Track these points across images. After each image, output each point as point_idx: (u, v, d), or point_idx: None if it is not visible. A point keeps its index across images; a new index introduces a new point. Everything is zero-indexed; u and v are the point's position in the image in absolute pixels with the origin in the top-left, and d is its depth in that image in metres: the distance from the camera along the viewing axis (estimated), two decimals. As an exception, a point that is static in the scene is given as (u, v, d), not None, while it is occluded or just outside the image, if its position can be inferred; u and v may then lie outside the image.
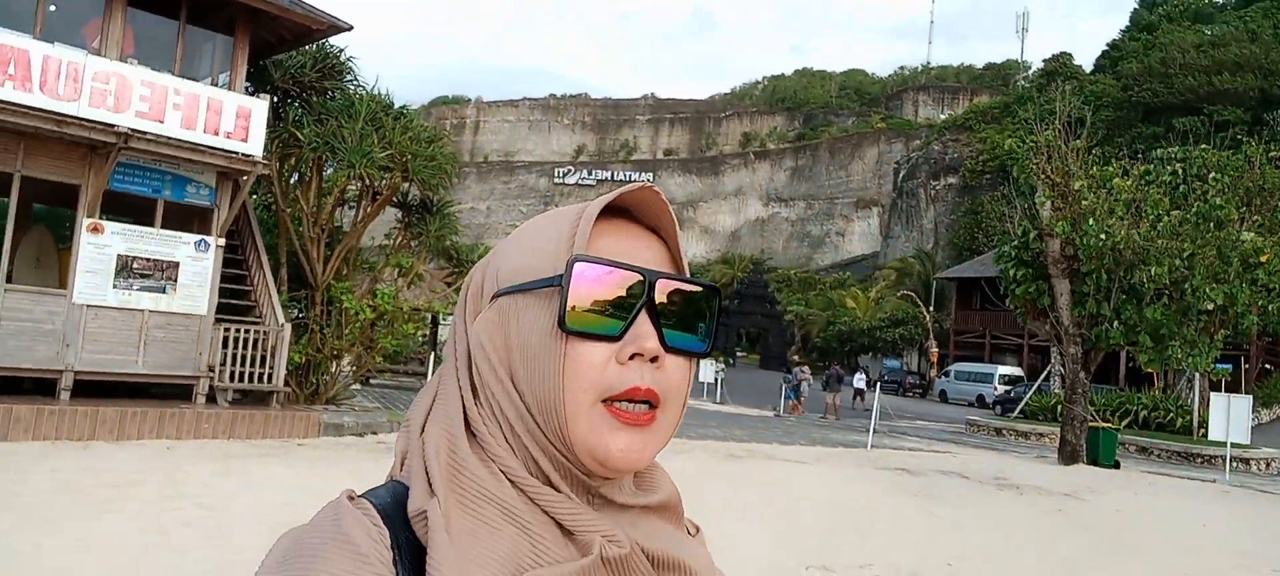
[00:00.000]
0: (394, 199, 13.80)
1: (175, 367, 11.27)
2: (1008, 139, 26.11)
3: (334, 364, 13.74)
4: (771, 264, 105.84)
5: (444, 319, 26.89)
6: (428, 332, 22.10)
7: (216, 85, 12.32)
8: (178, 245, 11.24)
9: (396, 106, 13.77)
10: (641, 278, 0.61)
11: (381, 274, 14.34)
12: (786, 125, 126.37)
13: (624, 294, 0.61)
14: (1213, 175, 16.76)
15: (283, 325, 11.90)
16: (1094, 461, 15.97)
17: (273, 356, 11.88)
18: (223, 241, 11.83)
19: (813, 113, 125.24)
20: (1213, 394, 17.23)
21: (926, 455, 16.02)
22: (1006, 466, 15.12)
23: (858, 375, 34.32)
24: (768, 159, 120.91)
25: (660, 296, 0.62)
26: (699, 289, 0.64)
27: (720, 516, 8.29)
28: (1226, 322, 16.17)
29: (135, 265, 10.76)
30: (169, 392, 11.39)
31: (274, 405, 12.00)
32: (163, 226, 11.30)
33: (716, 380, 29.45)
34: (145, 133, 10.62)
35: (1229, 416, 14.88)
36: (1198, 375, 20.97)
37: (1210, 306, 14.61)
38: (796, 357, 58.59)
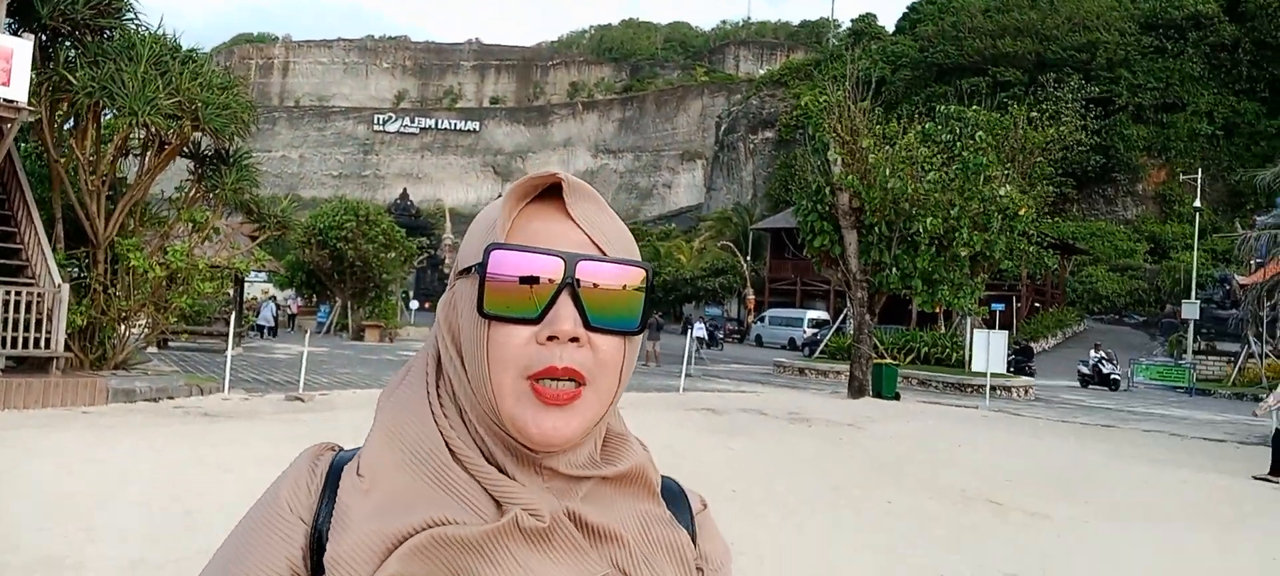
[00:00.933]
0: (184, 149, 12.98)
1: (-70, 334, 10.23)
2: (804, 98, 27.69)
3: (122, 326, 12.89)
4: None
5: (248, 277, 25.53)
6: (232, 291, 20.98)
7: (-32, 21, 11.10)
8: (-73, 199, 10.14)
9: (185, 50, 12.90)
10: (562, 261, 0.63)
11: (173, 229, 13.51)
12: (614, 76, 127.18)
13: (544, 277, 0.63)
14: (979, 133, 18.71)
15: (59, 286, 11.05)
16: (878, 394, 17.69)
17: (49, 320, 11.03)
18: (-17, 195, 10.76)
19: (639, 64, 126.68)
20: (977, 332, 19.46)
21: (733, 396, 17.11)
22: (802, 402, 16.44)
23: (699, 325, 35.35)
24: (596, 110, 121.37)
25: (585, 278, 0.64)
26: (623, 269, 0.66)
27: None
28: (987, 267, 18.22)
29: (-126, 222, 9.63)
30: (-76, 362, 10.33)
31: (54, 372, 11.18)
32: (-93, 178, 10.15)
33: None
34: (-121, 73, 9.46)
35: (989, 350, 16.91)
36: (969, 315, 23.52)
37: (970, 253, 16.45)
38: None
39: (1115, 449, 12.73)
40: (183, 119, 12.05)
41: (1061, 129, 20.43)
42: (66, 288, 11.24)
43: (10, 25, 11.95)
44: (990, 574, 5.70)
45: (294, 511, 0.66)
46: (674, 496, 0.79)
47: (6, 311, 10.66)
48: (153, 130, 12.27)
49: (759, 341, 44.60)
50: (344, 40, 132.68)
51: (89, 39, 12.60)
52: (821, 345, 29.80)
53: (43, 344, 10.99)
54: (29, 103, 10.84)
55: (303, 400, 12.77)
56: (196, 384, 12.86)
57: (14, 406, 10.00)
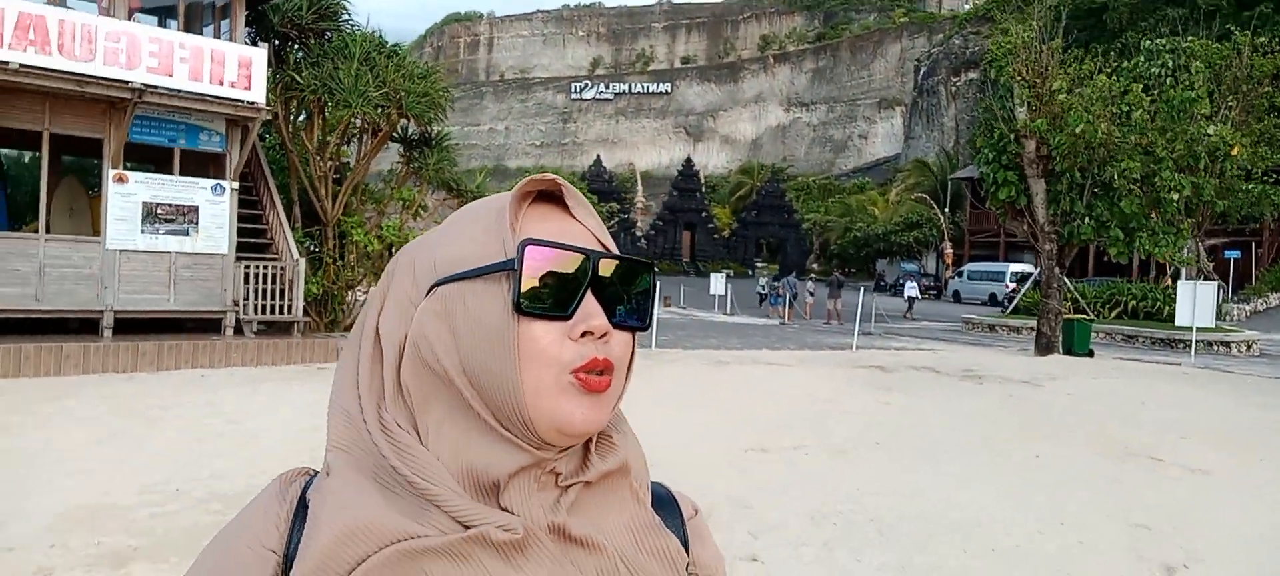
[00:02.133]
0: (393, 134, 14.68)
1: (203, 304, 12.44)
2: (987, 40, 26.09)
3: (348, 293, 14.88)
4: (794, 171, 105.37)
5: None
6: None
7: (219, 35, 13.18)
8: (196, 190, 12.28)
9: (390, 44, 14.54)
10: (587, 257, 0.64)
11: (388, 206, 15.33)
12: (806, 25, 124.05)
13: (571, 273, 0.64)
14: (1196, 64, 17.07)
15: (298, 260, 12.98)
16: (1069, 351, 16.83)
17: (291, 289, 13.00)
18: (236, 184, 12.84)
19: (833, 10, 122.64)
20: (1181, 282, 17.87)
21: (908, 354, 16.94)
22: (981, 360, 16.03)
23: (910, 283, 33.47)
24: (787, 62, 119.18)
25: (605, 274, 0.65)
26: (636, 265, 0.67)
27: (689, 414, 9.35)
28: (1205, 213, 16.69)
29: (159, 211, 11.83)
30: (199, 326, 12.60)
31: (295, 334, 13.16)
32: (181, 173, 12.32)
33: (726, 292, 30.36)
34: (157, 87, 11.55)
35: (1195, 302, 15.59)
36: (1184, 267, 21.55)
37: (1176, 197, 15.17)
38: (762, 265, 58.90)
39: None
40: (389, 107, 13.68)
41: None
42: (303, 261, 13.17)
43: (249, 34, 14.02)
44: (1118, 523, 5.73)
45: (263, 543, 0.65)
46: (664, 502, 0.78)
47: (258, 283, 12.72)
48: (366, 119, 14.02)
49: (957, 297, 42.76)
50: (542, 12, 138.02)
51: (312, 41, 14.52)
52: (1017, 301, 28.34)
53: (286, 310, 12.99)
54: (267, 102, 12.76)
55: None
56: (409, 342, 14.61)
57: (265, 363, 11.99)
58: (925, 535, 5.31)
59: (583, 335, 0.63)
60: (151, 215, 11.78)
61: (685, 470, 6.58)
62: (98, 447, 6.74)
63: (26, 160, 14.30)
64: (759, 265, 64.32)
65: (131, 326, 11.81)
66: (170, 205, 11.94)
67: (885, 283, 55.99)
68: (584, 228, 0.68)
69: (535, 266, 0.62)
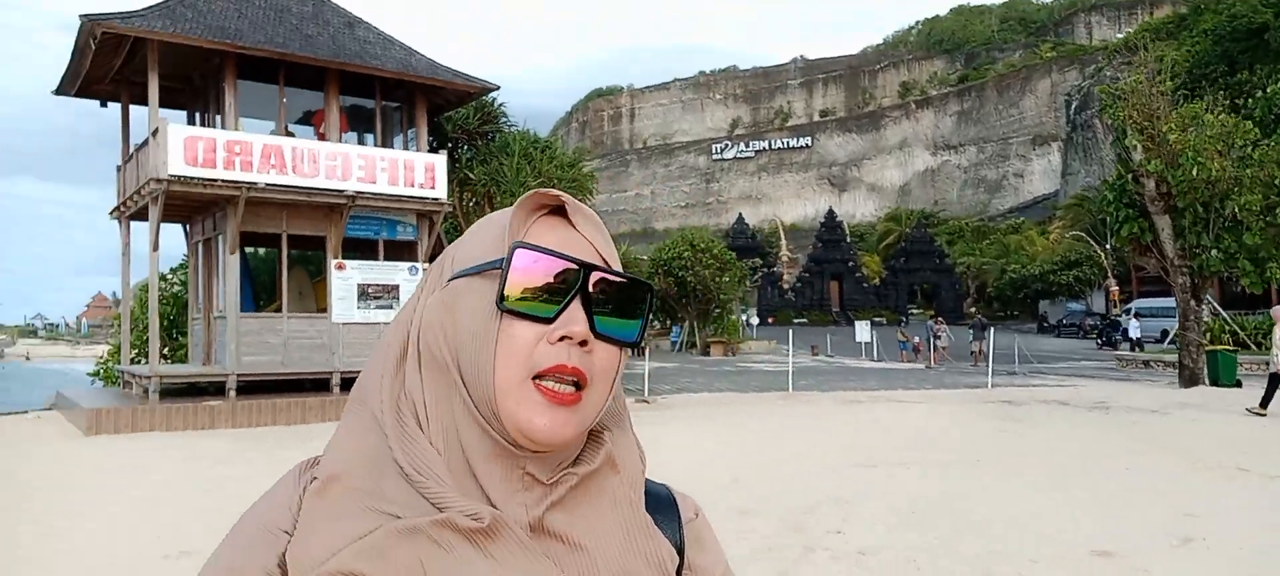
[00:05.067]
0: (550, 215, 17.02)
1: (402, 365, 14.95)
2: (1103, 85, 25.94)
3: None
4: (946, 214, 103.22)
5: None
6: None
7: (406, 146, 15.94)
8: (396, 272, 14.89)
9: (542, 138, 17.00)
10: (576, 266, 0.66)
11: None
12: (947, 68, 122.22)
13: (559, 280, 0.65)
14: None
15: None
16: (1215, 382, 16.75)
17: (470, 350, 15.33)
18: (426, 265, 15.40)
19: (974, 51, 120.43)
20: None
21: (1043, 390, 17.40)
22: (1117, 393, 16.31)
23: (1133, 323, 32.96)
24: (930, 106, 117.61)
25: (594, 287, 0.66)
26: (629, 282, 0.68)
27: (807, 438, 10.70)
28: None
29: (370, 290, 14.51)
30: (399, 384, 15.11)
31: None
32: (384, 259, 15.00)
33: (871, 338, 31.00)
34: (365, 193, 14.28)
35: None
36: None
37: (1301, 228, 15.08)
38: (916, 311, 57.65)
39: None
40: (546, 193, 16.02)
41: None
42: (479, 327, 15.50)
43: (431, 143, 16.77)
44: (1179, 520, 6.63)
45: (276, 525, 0.67)
46: (662, 503, 0.79)
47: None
48: (527, 204, 16.38)
49: (1126, 337, 40.15)
50: (680, 80, 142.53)
51: (479, 143, 17.16)
52: (1171, 336, 27.49)
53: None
54: (446, 197, 15.32)
55: (648, 402, 15.94)
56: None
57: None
58: (982, 524, 6.51)
59: (562, 339, 0.65)
60: (364, 294, 14.45)
61: (792, 476, 8.01)
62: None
63: (262, 254, 17.52)
64: (913, 311, 63.51)
65: (352, 384, 14.42)
66: (377, 285, 14.59)
67: (1048, 323, 54.06)
68: (587, 241, 0.70)
69: (523, 267, 0.65)
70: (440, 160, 15.18)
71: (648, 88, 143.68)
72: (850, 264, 67.27)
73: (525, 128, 17.27)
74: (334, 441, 0.70)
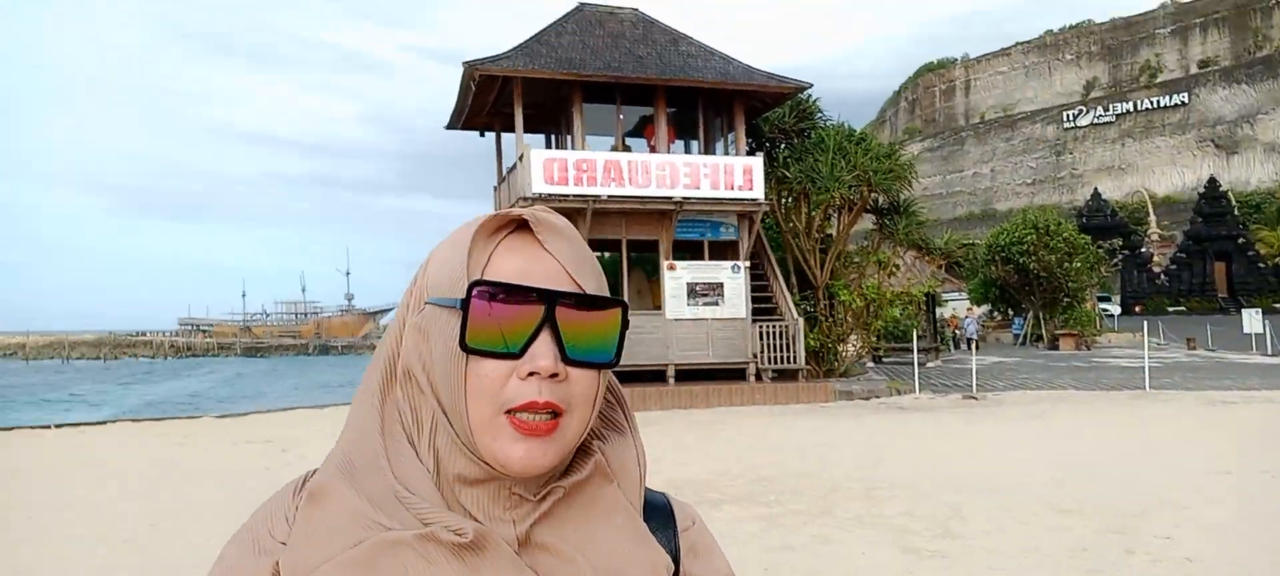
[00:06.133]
0: (867, 207, 17.09)
1: (730, 357, 16.03)
2: None
3: (840, 345, 17.46)
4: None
5: (942, 299, 28.94)
6: (920, 309, 24.69)
7: (726, 150, 16.95)
8: (720, 271, 15.99)
9: (857, 131, 17.08)
10: (542, 299, 0.64)
11: (866, 270, 17.70)
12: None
13: (523, 316, 0.64)
14: None
15: (797, 319, 15.94)
16: None
17: (794, 343, 15.98)
18: (748, 263, 16.32)
19: None
20: None
21: (1222, 392, 14.24)
22: None
23: None
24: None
25: (563, 315, 0.65)
26: (603, 303, 0.67)
27: (1149, 447, 9.86)
28: None
29: (697, 288, 15.76)
30: (728, 375, 16.20)
31: (800, 380, 16.07)
32: (709, 259, 16.16)
33: (1264, 329, 26.51)
34: (691, 199, 15.53)
35: None
36: None
37: None
38: None
39: None
40: (861, 186, 16.12)
41: None
42: (801, 320, 16.09)
43: (749, 144, 17.64)
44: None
45: (272, 534, 0.68)
46: (658, 511, 0.79)
47: (770, 339, 15.92)
48: (843, 198, 16.64)
49: None
50: (1021, 44, 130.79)
51: (795, 140, 17.68)
52: None
53: (790, 360, 15.98)
54: (765, 197, 16.07)
55: (976, 399, 15.43)
56: (896, 387, 16.60)
57: (779, 403, 15.02)
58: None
59: (531, 375, 0.64)
60: (692, 292, 15.74)
61: (1125, 478, 7.57)
62: (682, 453, 10.01)
63: (606, 257, 19.68)
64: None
65: (685, 375, 15.82)
66: (704, 283, 15.80)
67: None
68: (554, 260, 0.67)
69: (481, 309, 0.63)
70: (757, 163, 15.98)
71: (984, 56, 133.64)
72: (1240, 241, 57.36)
73: (845, 116, 17.65)
74: (330, 455, 0.71)
